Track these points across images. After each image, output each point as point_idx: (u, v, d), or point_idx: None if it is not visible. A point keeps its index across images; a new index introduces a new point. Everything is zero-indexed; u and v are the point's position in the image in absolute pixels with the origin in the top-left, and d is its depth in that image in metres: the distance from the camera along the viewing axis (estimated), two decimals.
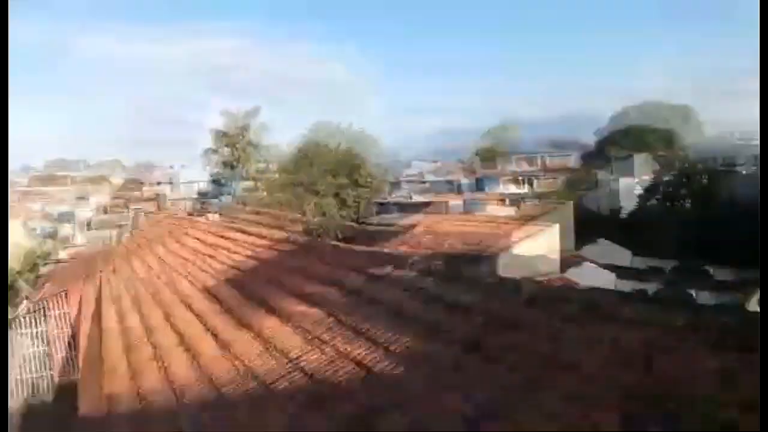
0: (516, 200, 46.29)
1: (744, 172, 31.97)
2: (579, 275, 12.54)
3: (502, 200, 48.54)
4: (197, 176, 73.66)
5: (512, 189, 62.34)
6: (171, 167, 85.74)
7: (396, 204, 44.83)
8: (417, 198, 52.08)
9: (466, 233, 16.06)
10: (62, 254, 35.89)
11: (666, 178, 26.44)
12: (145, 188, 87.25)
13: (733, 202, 21.28)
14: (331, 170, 35.18)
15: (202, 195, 70.09)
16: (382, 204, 40.50)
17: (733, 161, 29.28)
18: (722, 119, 56.47)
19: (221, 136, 47.81)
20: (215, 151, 48.21)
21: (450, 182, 45.33)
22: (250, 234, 9.29)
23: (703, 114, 61.27)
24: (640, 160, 32.53)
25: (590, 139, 70.56)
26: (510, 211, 37.34)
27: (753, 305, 10.32)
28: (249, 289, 6.12)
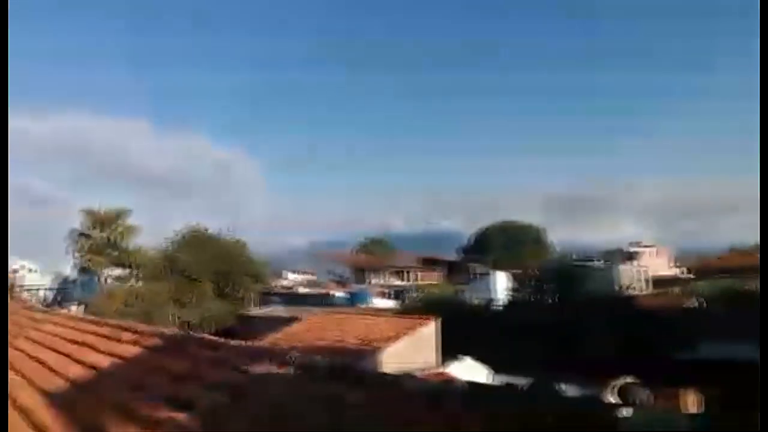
0: (399, 293, 47.25)
1: (599, 267, 35.56)
2: (457, 370, 12.79)
3: (386, 293, 49.34)
4: (47, 280, 66.86)
5: (395, 281, 63.80)
6: (14, 271, 77.14)
7: (279, 295, 43.74)
8: (301, 289, 51.31)
9: (351, 327, 15.91)
10: None
11: (531, 273, 28.56)
12: None
13: (591, 297, 23.38)
14: (213, 257, 33.88)
15: (67, 283, 63.58)
16: (265, 294, 39.34)
17: (587, 257, 32.59)
18: (566, 240, 64.01)
19: (80, 236, 44.61)
20: (87, 236, 44.64)
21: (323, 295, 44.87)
22: (115, 328, 8.43)
23: (551, 235, 69.24)
24: (499, 277, 35.25)
25: (452, 256, 76.19)
26: (393, 303, 37.91)
27: (609, 397, 11.13)
28: (107, 394, 5.46)
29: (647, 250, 67.33)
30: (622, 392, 10.52)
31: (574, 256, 31.60)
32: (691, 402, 10.66)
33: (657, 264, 61.04)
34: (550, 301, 25.25)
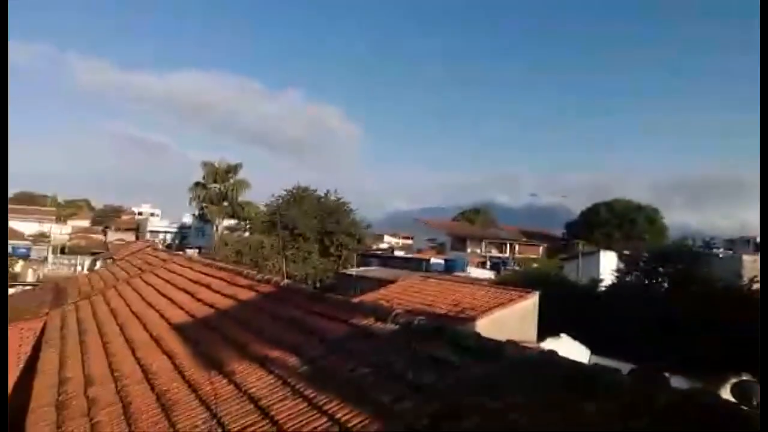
0: (497, 264, 46.57)
1: (720, 255, 32.67)
2: (556, 346, 12.47)
3: (483, 263, 48.81)
4: (165, 224, 72.88)
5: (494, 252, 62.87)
6: (139, 213, 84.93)
7: (378, 257, 44.79)
8: (399, 253, 52.12)
9: (446, 293, 16.01)
10: (31, 278, 34.90)
11: (645, 256, 26.82)
12: (125, 216, 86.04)
13: (708, 287, 21.60)
14: (318, 215, 35.29)
15: (185, 228, 69.41)
16: (364, 256, 40.45)
17: (708, 243, 29.96)
18: (685, 226, 58.67)
19: (198, 186, 48.11)
20: (204, 186, 48.29)
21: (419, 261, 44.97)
22: (232, 273, 9.13)
23: (667, 218, 63.83)
24: (606, 256, 33.30)
25: (557, 232, 73.12)
26: (490, 274, 37.48)
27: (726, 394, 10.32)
28: (223, 330, 5.96)
29: None
30: (742, 391, 9.72)
31: (692, 241, 29.17)
32: None
33: None
34: (661, 287, 23.68)
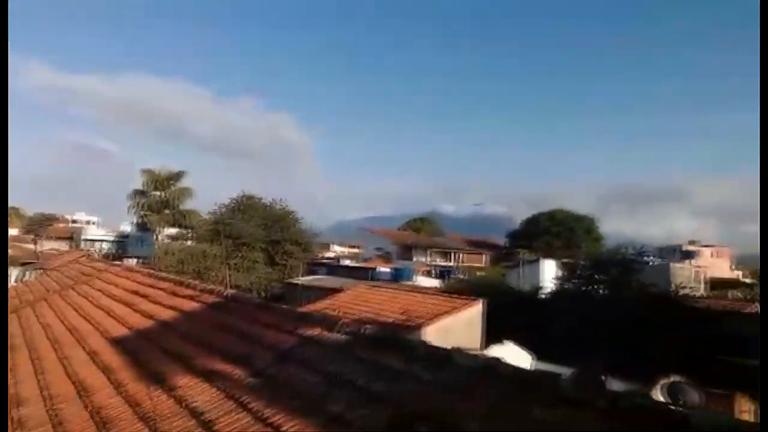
0: (443, 273, 47.15)
1: (651, 263, 34.33)
2: (501, 353, 12.71)
3: (429, 271, 49.30)
4: (103, 233, 69.70)
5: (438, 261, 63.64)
6: (74, 221, 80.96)
7: (325, 266, 44.46)
8: (347, 262, 51.94)
9: (393, 301, 16.07)
10: None
11: (583, 264, 27.83)
12: (59, 224, 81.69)
13: (642, 293, 22.62)
14: (264, 224, 34.69)
15: (124, 237, 66.63)
16: (311, 264, 40.07)
17: (641, 252, 31.44)
18: (620, 235, 61.79)
19: (138, 194, 46.53)
20: (144, 194, 46.62)
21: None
22: (173, 283, 8.82)
23: (605, 227, 66.94)
24: (547, 264, 34.45)
25: (500, 241, 75.35)
26: (436, 282, 37.87)
27: (658, 394, 10.83)
28: (164, 343, 5.73)
29: (706, 249, 64.63)
30: (672, 391, 10.21)
31: (627, 250, 30.59)
32: (746, 409, 10.26)
33: (716, 265, 58.53)
34: (599, 293, 24.64)
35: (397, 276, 38.55)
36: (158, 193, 46.77)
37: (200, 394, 4.01)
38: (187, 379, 4.39)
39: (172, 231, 46.08)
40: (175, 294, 7.99)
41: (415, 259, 61.98)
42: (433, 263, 59.57)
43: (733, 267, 65.42)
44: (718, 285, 42.03)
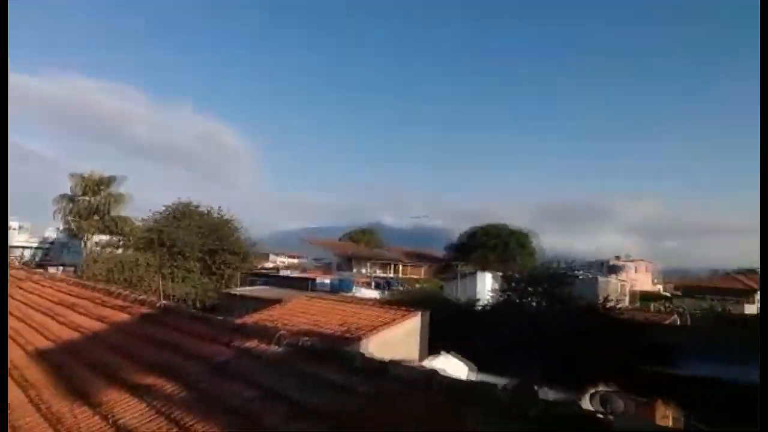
0: (382, 284, 47.32)
1: (580, 277, 35.86)
2: (439, 364, 12.87)
3: (369, 283, 49.36)
4: (24, 239, 65.65)
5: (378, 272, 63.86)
6: None
7: (264, 276, 43.64)
8: (286, 272, 51.21)
9: (332, 313, 15.95)
10: None
11: (517, 277, 28.70)
12: None
13: (572, 306, 23.57)
14: (200, 233, 33.67)
15: (48, 244, 62.89)
16: (249, 275, 39.20)
17: (571, 266, 32.77)
18: (552, 249, 64.29)
19: (66, 199, 44.27)
20: (72, 199, 44.29)
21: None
22: (99, 292, 8.39)
23: (539, 242, 69.51)
24: (485, 277, 35.35)
25: (439, 253, 77.02)
26: (376, 294, 37.96)
27: (586, 404, 11.28)
28: (91, 356, 5.44)
29: (631, 264, 68.16)
30: (601, 400, 10.66)
31: (558, 264, 31.91)
32: (666, 415, 10.84)
33: (640, 279, 61.88)
34: (533, 306, 25.45)
35: (337, 287, 38.34)
36: (87, 198, 44.60)
37: (128, 410, 3.82)
38: (114, 394, 4.18)
39: (103, 238, 43.96)
40: (103, 304, 7.61)
41: (355, 270, 61.92)
42: (374, 275, 59.70)
43: (655, 281, 69.31)
44: (641, 298, 44.47)
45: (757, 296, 44.82)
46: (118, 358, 5.12)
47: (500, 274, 32.38)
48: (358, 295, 35.41)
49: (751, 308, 41.79)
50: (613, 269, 61.12)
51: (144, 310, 6.86)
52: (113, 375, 4.62)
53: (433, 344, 15.53)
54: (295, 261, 68.99)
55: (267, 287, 35.66)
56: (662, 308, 38.53)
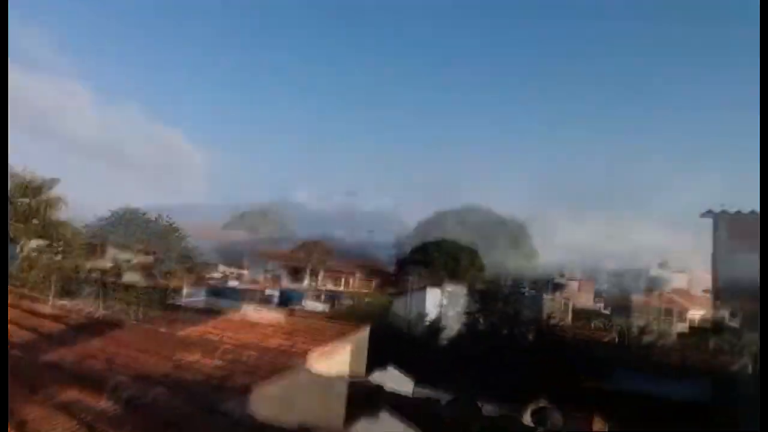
0: (331, 298, 47.00)
1: (526, 294, 36.79)
2: (383, 379, 12.84)
3: (318, 296, 48.92)
4: None
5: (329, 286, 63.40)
6: None
7: (210, 287, 42.57)
8: (233, 283, 50.14)
9: (279, 327, 15.66)
10: None
11: (466, 294, 29.13)
12: None
13: (516, 322, 24.11)
14: (146, 241, 32.55)
15: None
16: (194, 285, 38.13)
17: (517, 283, 33.65)
18: (500, 266, 65.89)
19: None
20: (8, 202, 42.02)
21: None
22: (31, 300, 7.97)
23: (489, 257, 71.01)
24: (433, 293, 35.67)
25: (390, 267, 77.53)
26: (325, 307, 37.66)
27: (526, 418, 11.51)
28: (18, 370, 5.13)
29: (573, 282, 70.41)
30: (537, 414, 10.90)
31: (506, 281, 32.71)
32: (600, 428, 11.18)
33: (581, 297, 63.96)
34: (479, 322, 25.83)
35: (286, 299, 37.81)
36: (26, 200, 42.39)
37: (55, 428, 3.62)
38: (41, 411, 3.95)
39: (41, 243, 41.76)
40: (35, 314, 7.22)
41: (305, 282, 61.19)
42: (323, 287, 59.20)
43: (595, 299, 71.79)
44: (582, 315, 45.88)
45: (689, 314, 47.26)
46: (48, 372, 4.86)
47: (449, 290, 32.76)
48: (307, 308, 35.00)
49: (684, 326, 43.80)
50: (557, 287, 62.90)
51: (80, 320, 6.57)
52: (42, 390, 4.37)
53: (380, 359, 15.48)
54: (244, 272, 67.70)
55: (213, 298, 34.78)
56: (601, 325, 39.83)
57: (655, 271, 67.13)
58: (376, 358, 15.47)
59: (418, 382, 15.36)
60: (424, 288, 38.85)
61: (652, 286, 59.43)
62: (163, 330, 5.82)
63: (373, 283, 68.30)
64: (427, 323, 27.72)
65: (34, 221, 42.85)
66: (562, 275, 74.14)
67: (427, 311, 30.13)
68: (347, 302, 41.79)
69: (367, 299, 43.81)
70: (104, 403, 3.87)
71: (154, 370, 4.37)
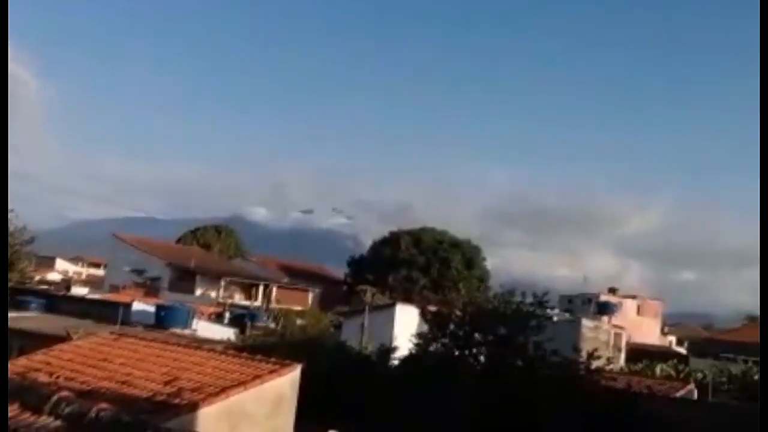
0: (241, 318, 47.00)
1: (555, 318, 37.47)
2: None
3: (220, 314, 48.80)
4: None
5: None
6: None
7: (44, 295, 42.34)
8: (81, 290, 50.03)
9: (154, 362, 15.78)
10: None
11: (458, 315, 29.52)
12: None
13: (536, 364, 24.59)
14: None
15: None
16: (18, 292, 37.97)
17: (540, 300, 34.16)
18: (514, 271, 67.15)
19: None
20: None
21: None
22: None
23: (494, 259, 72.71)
24: (405, 312, 36.35)
25: (338, 271, 79.16)
26: (230, 333, 37.86)
27: None
28: None
29: (628, 301, 71.09)
30: None
31: (523, 297, 32.76)
32: None
33: (640, 324, 64.86)
34: (476, 360, 26.05)
35: (166, 319, 37.74)
36: None
37: None
38: None
39: None
40: None
41: (198, 292, 61.05)
42: (228, 301, 59.15)
43: (666, 329, 73.14)
44: (640, 354, 46.69)
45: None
46: None
47: (432, 308, 33.03)
48: (200, 333, 35.00)
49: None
50: (603, 308, 63.35)
51: None
52: None
53: (316, 416, 15.75)
54: (99, 272, 67.18)
55: (46, 315, 34.57)
56: (673, 373, 40.27)
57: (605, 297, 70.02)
58: (312, 416, 15.77)
59: None
60: (392, 305, 39.26)
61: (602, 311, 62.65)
62: None
63: (311, 295, 68.29)
64: (395, 361, 28.00)
65: None
66: (612, 289, 74.88)
67: (395, 341, 30.33)
68: (267, 326, 42.02)
69: (300, 320, 44.11)
70: None
71: None
